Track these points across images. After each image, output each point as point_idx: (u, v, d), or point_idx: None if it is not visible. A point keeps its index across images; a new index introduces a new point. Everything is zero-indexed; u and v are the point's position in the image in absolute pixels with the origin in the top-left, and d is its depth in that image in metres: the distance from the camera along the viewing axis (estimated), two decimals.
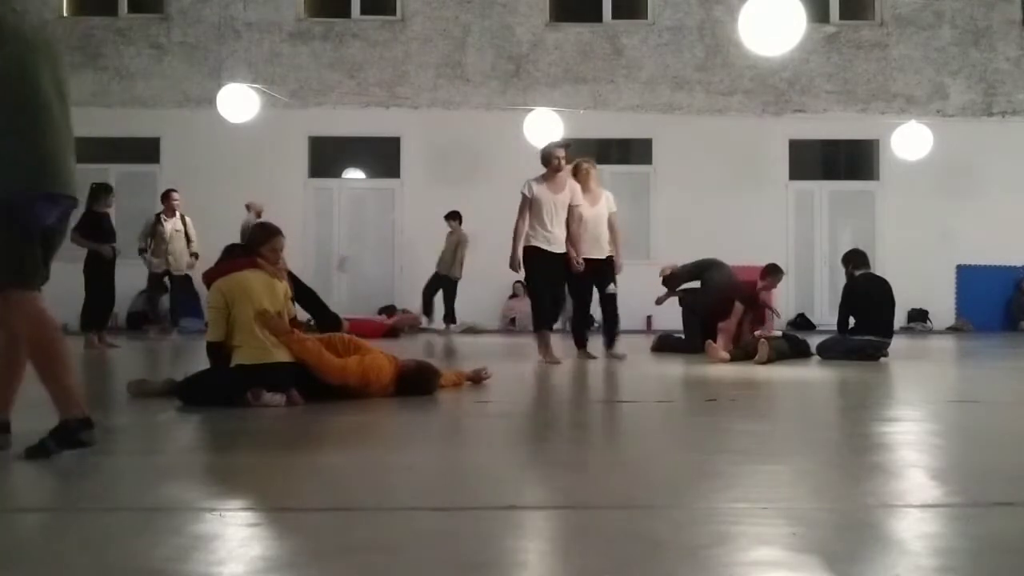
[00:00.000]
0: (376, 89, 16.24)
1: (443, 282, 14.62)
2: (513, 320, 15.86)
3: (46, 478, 3.55)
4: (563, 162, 8.67)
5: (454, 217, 14.80)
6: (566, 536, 2.71)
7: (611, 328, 9.17)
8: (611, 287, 9.01)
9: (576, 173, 8.98)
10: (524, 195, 8.63)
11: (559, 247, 8.64)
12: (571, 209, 8.69)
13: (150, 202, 14.19)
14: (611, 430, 4.93)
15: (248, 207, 13.55)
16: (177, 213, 12.66)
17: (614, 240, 9.13)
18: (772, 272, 10.44)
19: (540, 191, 8.58)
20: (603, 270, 9.01)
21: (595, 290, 9.22)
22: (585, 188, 8.98)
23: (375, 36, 16.33)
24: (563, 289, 9.07)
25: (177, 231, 12.61)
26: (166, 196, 12.80)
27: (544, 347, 8.56)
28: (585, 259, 8.83)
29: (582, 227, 8.84)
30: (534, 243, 8.58)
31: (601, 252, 9.03)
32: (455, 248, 14.64)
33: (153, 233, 12.55)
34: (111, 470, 3.72)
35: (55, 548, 2.55)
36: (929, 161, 14.90)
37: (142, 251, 12.66)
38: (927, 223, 16.00)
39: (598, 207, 9.09)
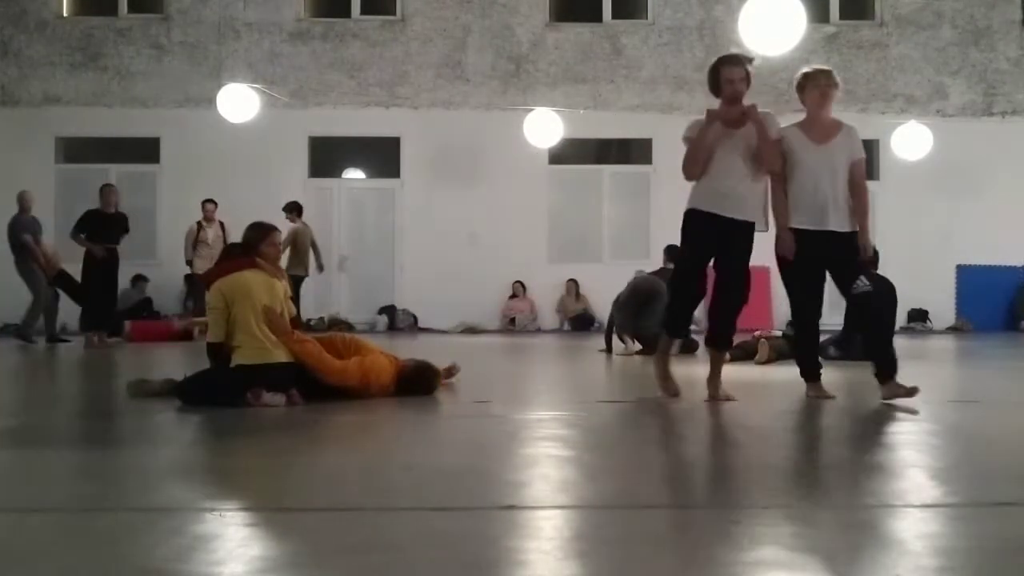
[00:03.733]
0: (376, 89, 16.24)
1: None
2: (513, 320, 15.84)
3: (46, 478, 3.56)
4: (744, 86, 5.70)
5: (293, 209, 13.69)
6: (566, 536, 2.71)
7: (876, 347, 5.62)
8: (860, 282, 5.49)
9: (802, 90, 5.91)
10: (687, 140, 5.73)
11: (741, 211, 5.57)
12: (769, 148, 5.55)
13: (150, 202, 14.16)
14: (610, 430, 4.92)
15: (20, 197, 12.05)
16: (215, 220, 13.28)
17: (857, 204, 5.64)
18: None
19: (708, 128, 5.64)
20: (842, 253, 5.57)
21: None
22: (814, 113, 5.79)
23: (375, 36, 16.32)
24: (743, 275, 5.64)
25: (218, 236, 13.04)
26: (202, 206, 13.42)
27: (661, 368, 5.85)
28: (805, 231, 5.57)
29: (797, 179, 5.60)
30: (694, 204, 5.67)
31: (836, 222, 5.57)
32: (292, 243, 13.25)
33: (196, 240, 13.17)
34: (111, 470, 3.72)
35: (55, 548, 2.55)
36: (929, 161, 14.89)
37: (190, 262, 13.19)
38: (927, 223, 15.99)
39: (829, 147, 5.66)
